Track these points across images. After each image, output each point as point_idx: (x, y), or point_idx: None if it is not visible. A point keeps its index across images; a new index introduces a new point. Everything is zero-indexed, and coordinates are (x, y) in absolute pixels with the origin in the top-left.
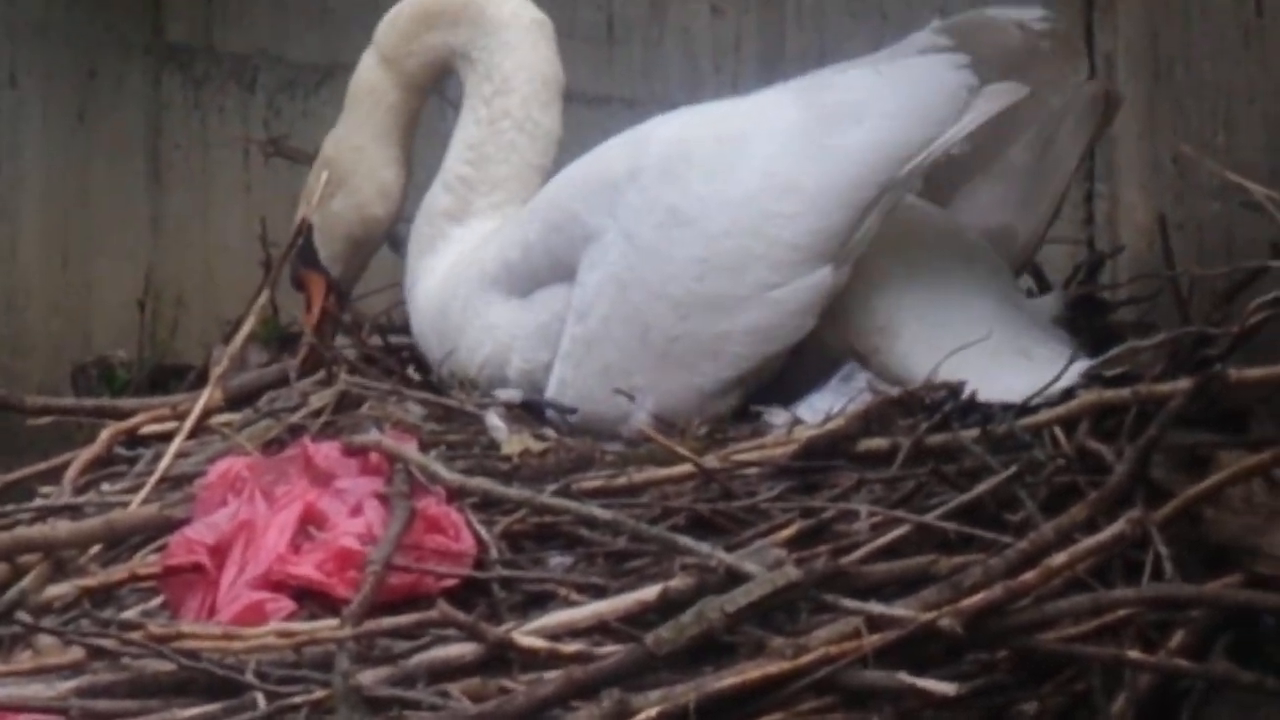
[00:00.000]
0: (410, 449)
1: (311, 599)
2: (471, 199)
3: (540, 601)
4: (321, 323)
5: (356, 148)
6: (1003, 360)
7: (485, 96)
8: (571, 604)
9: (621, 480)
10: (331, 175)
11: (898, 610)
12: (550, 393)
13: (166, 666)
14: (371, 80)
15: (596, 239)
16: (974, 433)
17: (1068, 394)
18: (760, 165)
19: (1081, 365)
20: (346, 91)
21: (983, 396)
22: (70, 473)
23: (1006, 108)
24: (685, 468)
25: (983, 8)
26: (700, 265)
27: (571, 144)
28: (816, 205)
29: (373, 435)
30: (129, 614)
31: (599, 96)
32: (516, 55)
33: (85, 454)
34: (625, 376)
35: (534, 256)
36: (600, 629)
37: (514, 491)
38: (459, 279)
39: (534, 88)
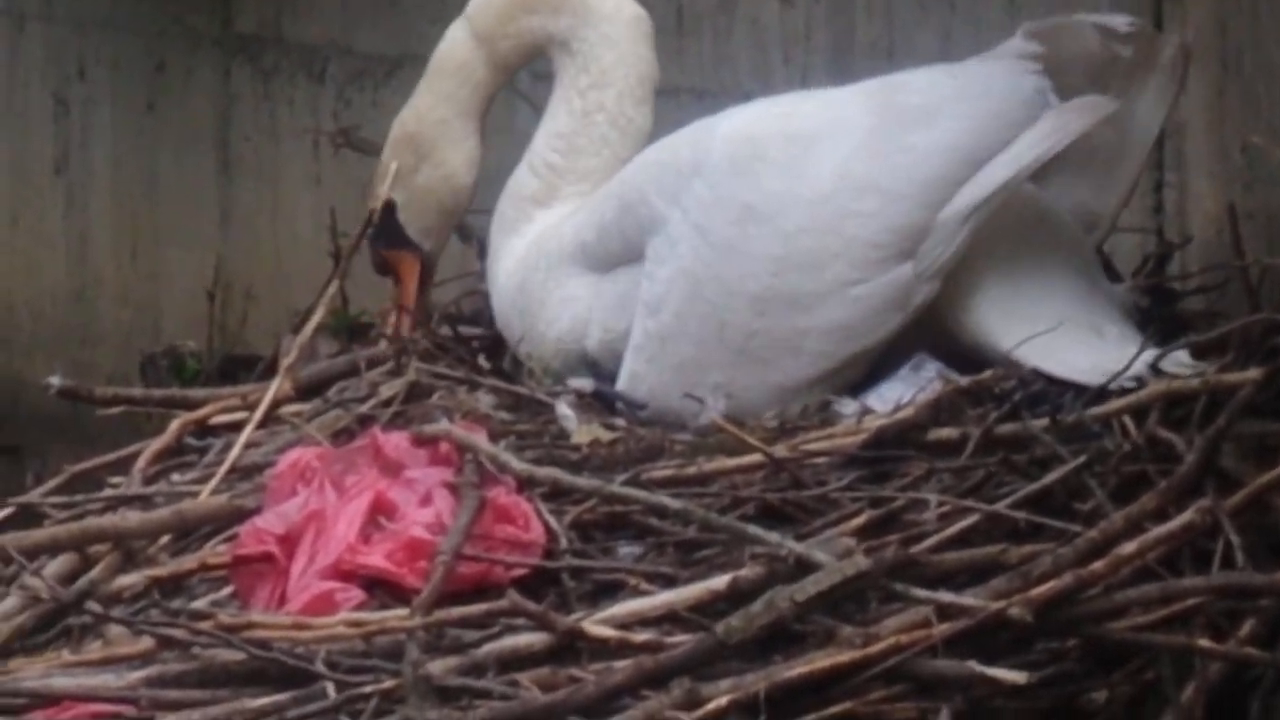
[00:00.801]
0: (480, 438)
1: (381, 589)
2: (559, 185)
3: (610, 591)
4: (421, 301)
5: (441, 121)
6: (1076, 335)
7: (581, 88)
8: (641, 593)
9: (691, 470)
10: (415, 149)
11: (967, 599)
12: (621, 384)
13: (236, 656)
14: (461, 57)
15: (661, 227)
16: (1044, 422)
17: (1138, 379)
18: (835, 165)
19: (1152, 352)
20: (430, 65)
21: (1052, 370)
22: (140, 463)
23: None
24: (755, 457)
25: (1065, 14)
26: (777, 262)
27: None
28: (894, 204)
29: (442, 425)
30: (199, 604)
31: (668, 88)
32: (617, 50)
33: (155, 444)
34: (701, 372)
35: (609, 238)
36: (670, 618)
37: (583, 481)
38: (539, 254)
39: (630, 84)
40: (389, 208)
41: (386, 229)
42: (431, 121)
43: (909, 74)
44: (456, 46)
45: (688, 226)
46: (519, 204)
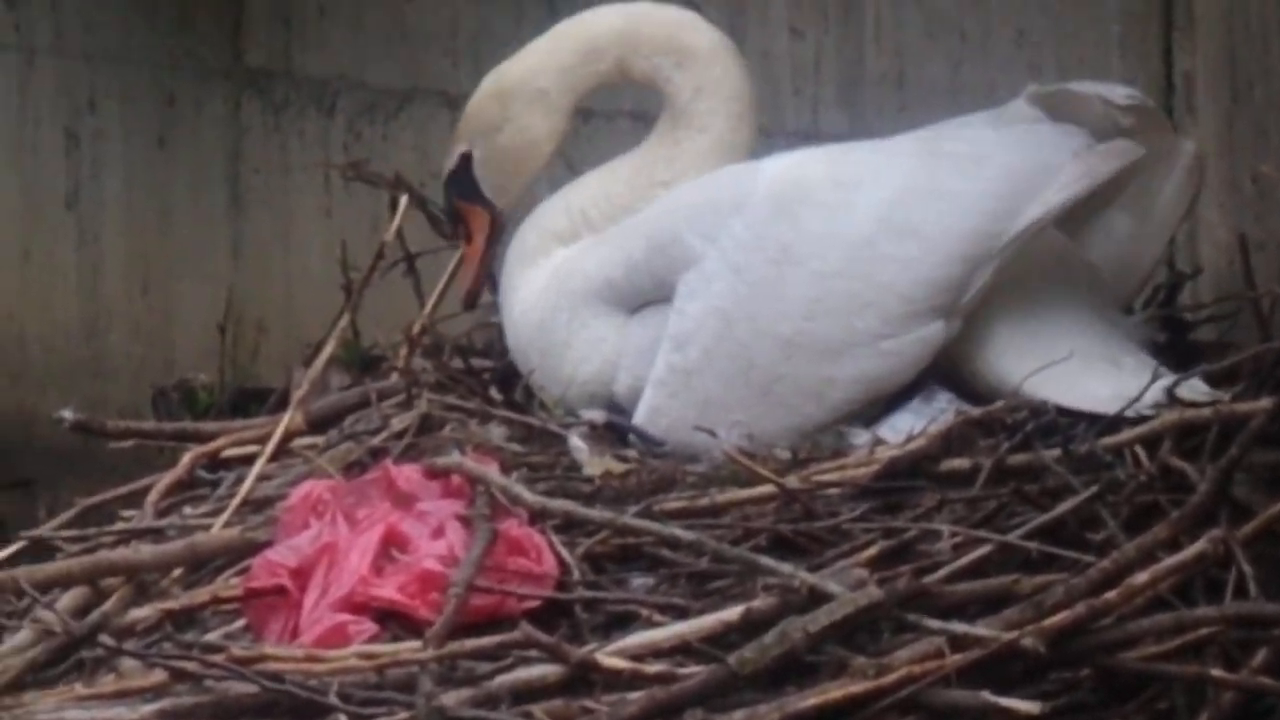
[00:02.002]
0: (492, 471)
1: (394, 621)
2: (584, 234)
3: (623, 622)
4: (488, 253)
5: (542, 90)
6: (1092, 367)
7: (666, 157)
8: (654, 625)
9: (703, 501)
10: (504, 106)
11: (980, 630)
12: (640, 418)
13: (249, 689)
14: (600, 40)
15: (696, 264)
16: (1055, 452)
17: (1155, 407)
18: (877, 208)
19: (1168, 379)
20: (559, 29)
21: (1069, 402)
22: (152, 496)
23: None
24: (767, 488)
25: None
26: (811, 305)
27: None
28: (933, 253)
29: (454, 457)
30: (211, 636)
31: None
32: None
33: (167, 477)
34: (724, 411)
35: (638, 276)
36: (683, 649)
37: (596, 513)
38: (560, 290)
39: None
40: (466, 159)
41: (461, 180)
42: (533, 87)
43: (957, 124)
44: (601, 27)
45: (724, 264)
46: (542, 236)
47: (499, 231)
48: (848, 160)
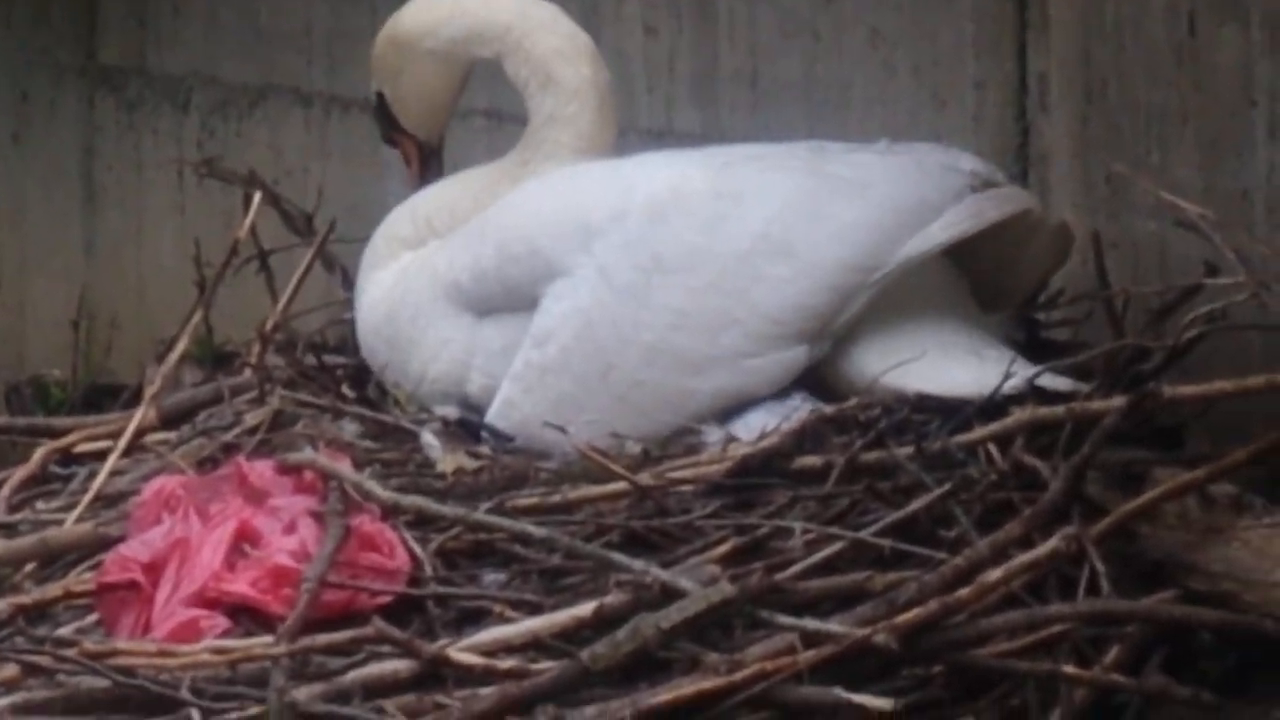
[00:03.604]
0: (344, 467)
1: (246, 616)
2: (429, 241)
3: (475, 618)
4: (421, 178)
5: (430, 51)
6: (952, 356)
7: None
8: (506, 620)
9: (556, 498)
10: (400, 55)
11: (833, 626)
12: (493, 412)
13: (101, 684)
14: (488, 34)
15: (567, 275)
16: (908, 450)
17: (1011, 399)
18: (756, 224)
19: (1028, 370)
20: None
21: (931, 389)
22: (4, 491)
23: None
24: (620, 485)
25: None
26: (677, 315)
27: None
28: (806, 277)
29: (307, 453)
30: (64, 631)
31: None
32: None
33: (20, 472)
34: (577, 410)
35: (487, 283)
36: (535, 645)
37: (448, 509)
38: (407, 289)
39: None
40: (381, 98)
41: (383, 116)
42: (421, 46)
43: (839, 147)
44: (495, 18)
45: (592, 269)
46: (389, 241)
47: (430, 156)
48: (730, 173)
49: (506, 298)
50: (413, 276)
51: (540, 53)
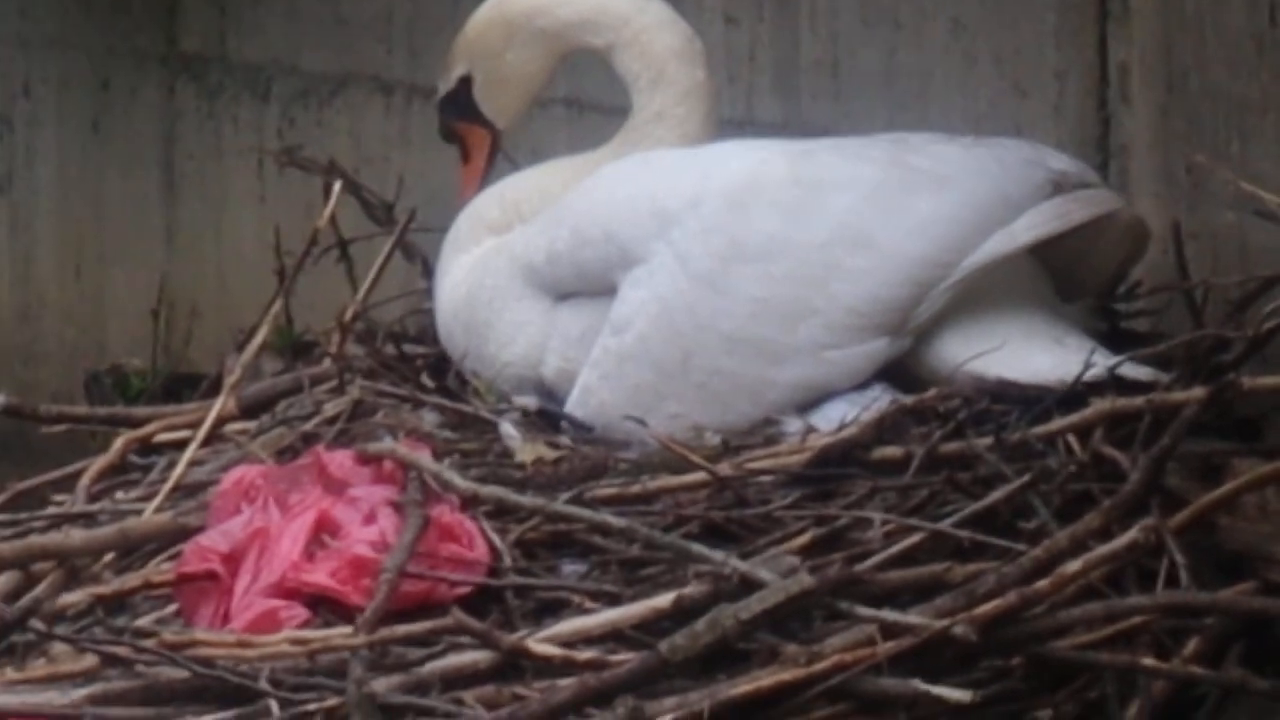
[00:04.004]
0: (424, 457)
1: (325, 607)
2: (516, 226)
3: (554, 609)
4: (487, 171)
5: (542, 30)
6: (1036, 344)
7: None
8: (585, 611)
9: (635, 488)
10: (509, 34)
11: (912, 618)
12: (572, 399)
13: (180, 674)
14: (603, 22)
15: (644, 262)
16: (988, 440)
17: (1091, 388)
18: (836, 214)
19: (1109, 359)
20: None
21: (1013, 375)
22: (84, 480)
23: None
24: (699, 475)
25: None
26: (756, 304)
27: (586, 151)
28: (886, 269)
29: (386, 443)
30: (143, 622)
31: (615, 108)
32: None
33: (99, 462)
34: (656, 399)
35: (561, 265)
36: (614, 636)
37: (527, 499)
38: (485, 271)
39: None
40: (466, 82)
41: (459, 102)
42: (535, 24)
43: (922, 138)
44: (611, 9)
45: (670, 256)
46: (474, 225)
47: (498, 149)
48: (810, 161)
49: (582, 281)
50: (492, 259)
51: (658, 50)
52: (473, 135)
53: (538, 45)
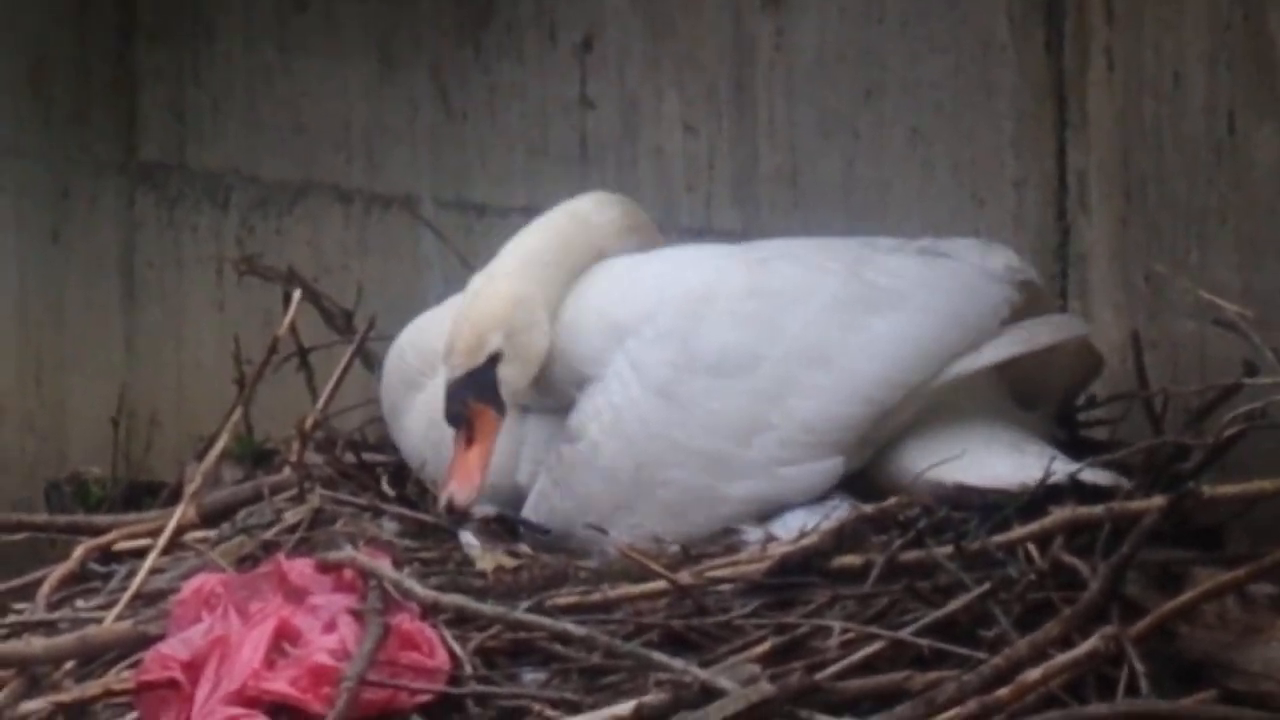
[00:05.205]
0: (384, 565)
1: (286, 715)
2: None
3: (514, 717)
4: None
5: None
6: (995, 451)
7: None
8: None
9: (595, 596)
10: (530, 310)
11: None
12: (528, 505)
13: None
14: (599, 233)
15: (600, 376)
16: (947, 549)
17: (1050, 496)
18: (793, 328)
19: (1069, 465)
20: (562, 222)
21: (973, 481)
22: (44, 589)
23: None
24: (659, 584)
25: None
26: (710, 416)
27: None
28: (843, 388)
29: (347, 552)
30: None
31: None
32: None
33: (59, 570)
34: (611, 507)
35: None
36: None
37: (488, 608)
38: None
39: None
40: (494, 359)
41: (480, 380)
42: (551, 287)
43: (881, 244)
44: (604, 221)
45: (625, 364)
46: (424, 357)
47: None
48: (767, 270)
49: (547, 396)
50: None
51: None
52: (483, 418)
53: (541, 312)
